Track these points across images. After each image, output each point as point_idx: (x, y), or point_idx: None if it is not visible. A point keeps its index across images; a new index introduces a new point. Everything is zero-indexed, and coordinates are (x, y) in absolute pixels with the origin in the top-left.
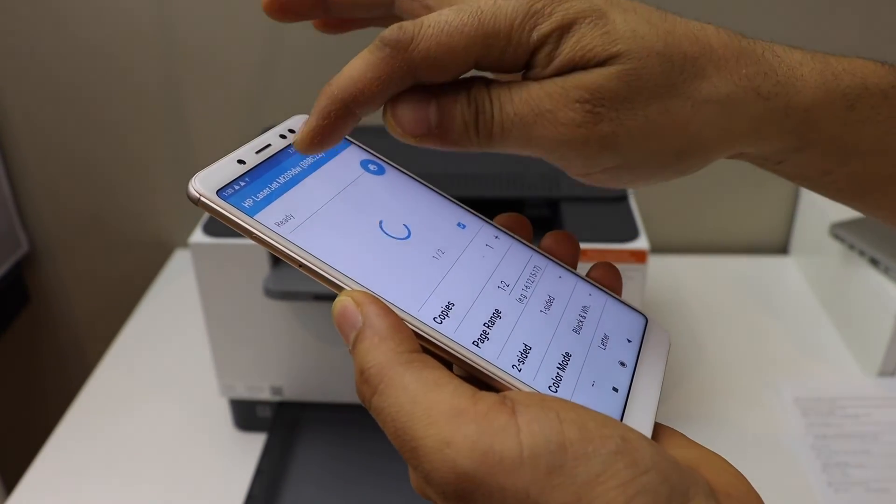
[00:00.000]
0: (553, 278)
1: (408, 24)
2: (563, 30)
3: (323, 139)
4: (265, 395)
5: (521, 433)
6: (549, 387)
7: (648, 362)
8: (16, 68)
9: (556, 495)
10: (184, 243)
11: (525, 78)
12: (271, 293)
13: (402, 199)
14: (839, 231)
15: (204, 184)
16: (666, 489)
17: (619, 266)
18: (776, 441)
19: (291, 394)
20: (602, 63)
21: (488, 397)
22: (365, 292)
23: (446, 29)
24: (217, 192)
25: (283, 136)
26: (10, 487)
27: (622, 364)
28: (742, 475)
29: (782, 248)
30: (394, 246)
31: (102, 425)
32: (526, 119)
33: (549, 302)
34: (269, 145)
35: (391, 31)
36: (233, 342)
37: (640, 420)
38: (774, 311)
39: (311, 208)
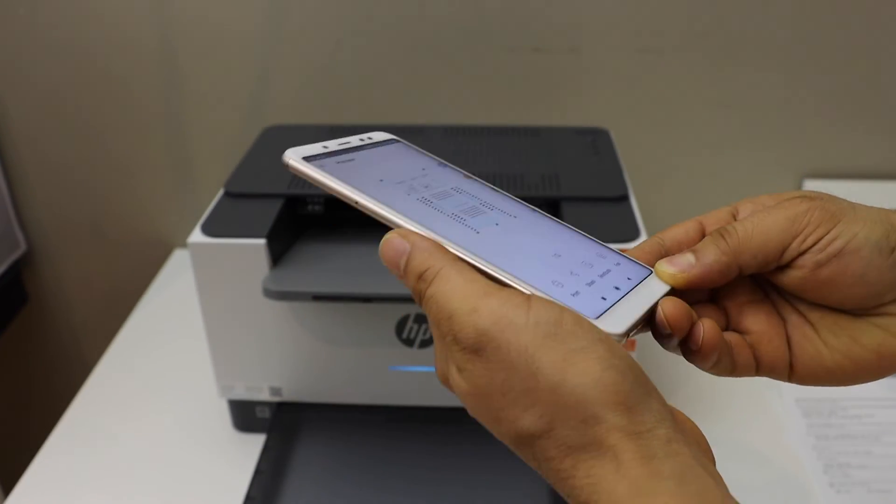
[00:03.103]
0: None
1: None
2: None
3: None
4: (264, 395)
5: (530, 310)
6: (550, 287)
7: (639, 293)
8: (13, 68)
9: (548, 353)
10: (183, 243)
11: None
12: (270, 293)
13: (435, 173)
14: None
15: (294, 153)
16: (632, 376)
17: None
18: (778, 442)
19: (290, 394)
20: None
21: (513, 289)
22: (408, 229)
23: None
24: (302, 159)
25: (361, 140)
26: (8, 488)
27: (616, 288)
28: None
29: None
30: (429, 200)
31: (101, 426)
32: None
33: (562, 243)
34: (348, 142)
35: None
36: (232, 343)
37: (618, 321)
38: None
39: (371, 172)
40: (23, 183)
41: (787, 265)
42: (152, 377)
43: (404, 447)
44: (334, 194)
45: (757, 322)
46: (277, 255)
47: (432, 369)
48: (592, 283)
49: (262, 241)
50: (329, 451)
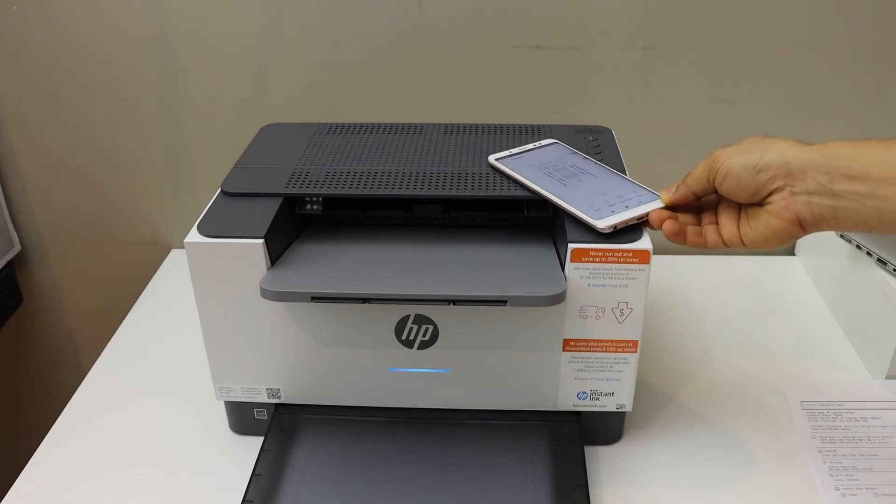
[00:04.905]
0: (625, 187)
1: None
2: None
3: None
4: (262, 397)
5: None
6: (586, 208)
7: (639, 208)
8: (8, 68)
9: None
10: (180, 243)
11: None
12: (268, 294)
13: (565, 158)
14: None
15: (492, 157)
16: None
17: (622, 267)
18: (783, 445)
19: (289, 396)
20: None
21: None
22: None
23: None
24: (495, 160)
25: (534, 146)
26: (3, 491)
27: (626, 206)
28: None
29: (789, 249)
30: (550, 172)
31: (96, 428)
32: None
33: (612, 186)
34: (525, 147)
35: None
36: (229, 344)
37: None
38: (780, 313)
39: (527, 161)
40: (17, 182)
41: (715, 187)
42: (149, 379)
43: (404, 449)
44: (506, 175)
45: (723, 218)
46: (275, 255)
47: (432, 371)
48: (613, 204)
49: (259, 241)
50: (327, 453)
